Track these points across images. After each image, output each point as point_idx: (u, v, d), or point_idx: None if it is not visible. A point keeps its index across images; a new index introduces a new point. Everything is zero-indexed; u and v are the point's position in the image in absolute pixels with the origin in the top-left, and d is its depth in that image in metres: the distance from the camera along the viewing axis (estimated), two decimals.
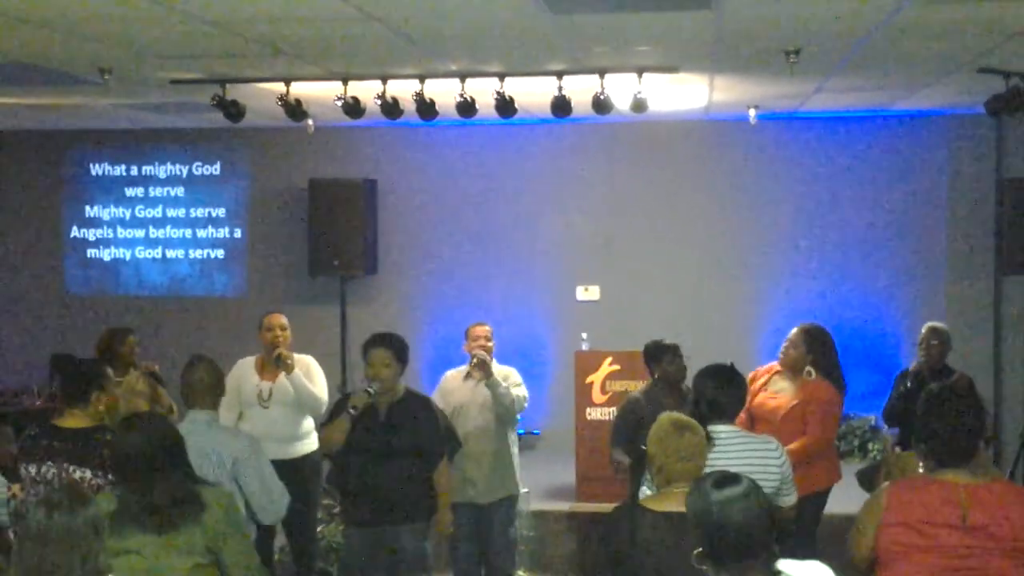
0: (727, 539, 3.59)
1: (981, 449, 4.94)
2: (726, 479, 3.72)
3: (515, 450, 8.35)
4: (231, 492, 5.05)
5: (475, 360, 8.03)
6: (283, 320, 8.36)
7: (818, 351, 7.77)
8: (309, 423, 8.31)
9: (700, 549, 3.66)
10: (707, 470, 4.76)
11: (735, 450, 5.42)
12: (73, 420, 5.83)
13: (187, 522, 4.62)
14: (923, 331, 8.56)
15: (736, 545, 3.59)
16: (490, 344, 8.19)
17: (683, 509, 4.48)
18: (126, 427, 4.82)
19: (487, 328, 8.27)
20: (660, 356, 8.03)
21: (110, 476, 5.62)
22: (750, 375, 7.73)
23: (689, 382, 7.06)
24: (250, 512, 5.82)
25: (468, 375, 8.16)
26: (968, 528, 4.35)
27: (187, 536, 4.62)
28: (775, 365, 7.91)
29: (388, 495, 6.90)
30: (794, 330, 7.87)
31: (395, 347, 7.09)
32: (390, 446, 6.88)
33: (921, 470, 4.80)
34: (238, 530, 4.88)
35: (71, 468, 5.67)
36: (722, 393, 5.64)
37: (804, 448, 7.37)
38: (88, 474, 5.65)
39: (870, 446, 11.61)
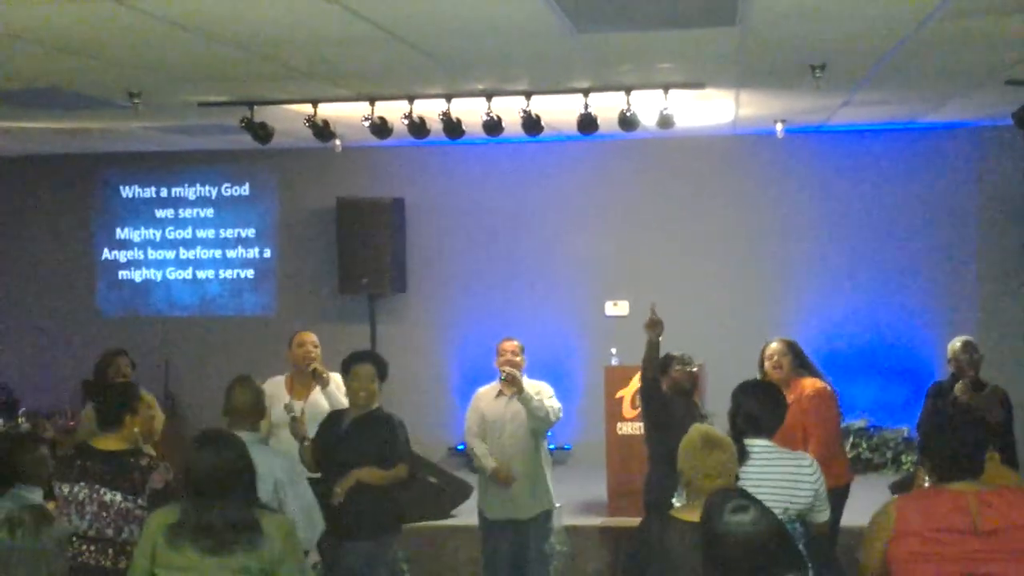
0: (728, 564, 3.65)
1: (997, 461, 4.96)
2: (740, 506, 3.77)
3: (548, 464, 8.35)
4: (292, 520, 5.04)
5: (505, 376, 8.05)
6: (314, 337, 8.42)
7: (802, 358, 7.87)
8: None
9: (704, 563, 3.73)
10: (741, 484, 4.80)
11: (768, 465, 5.41)
12: (108, 442, 5.87)
13: (242, 547, 4.60)
14: (955, 345, 8.52)
15: (737, 572, 3.66)
16: (518, 359, 8.14)
17: None
18: (201, 443, 4.80)
19: (515, 343, 8.23)
20: (668, 365, 7.96)
21: (139, 500, 5.66)
22: None
23: (708, 396, 7.08)
24: None
25: (500, 392, 8.16)
26: (980, 533, 4.34)
27: (242, 560, 4.60)
28: None
29: (341, 508, 6.85)
30: (774, 345, 7.90)
31: (378, 364, 7.21)
32: (344, 459, 6.92)
33: (927, 484, 4.80)
34: (295, 558, 4.85)
35: (102, 490, 5.70)
36: (761, 409, 5.64)
37: (817, 450, 7.37)
38: (118, 497, 5.67)
39: (903, 458, 11.57)
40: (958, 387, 8.28)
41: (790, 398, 7.63)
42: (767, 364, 7.88)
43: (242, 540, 4.60)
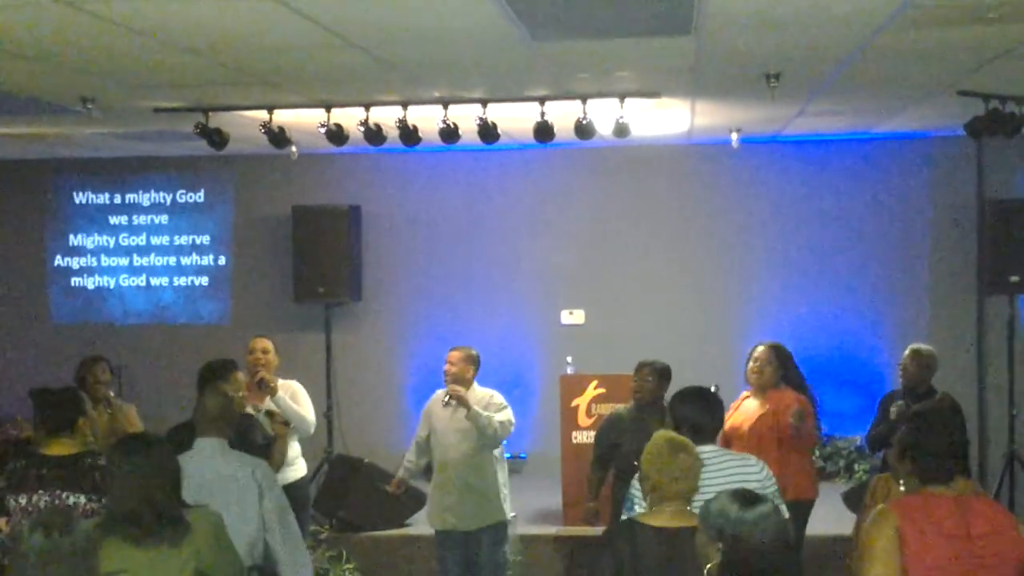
0: (752, 559, 3.63)
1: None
2: (751, 498, 3.76)
3: (503, 475, 8.28)
4: (218, 513, 5.00)
5: (449, 397, 8.02)
6: (267, 344, 8.37)
7: (788, 366, 7.86)
8: (296, 448, 8.29)
9: (713, 563, 3.70)
10: None
11: (715, 468, 5.43)
12: (60, 447, 5.82)
13: (169, 539, 4.57)
14: (905, 353, 8.58)
15: (760, 565, 3.63)
16: (455, 368, 8.06)
17: (676, 524, 4.57)
18: (122, 449, 4.77)
19: (457, 353, 8.13)
20: (636, 372, 8.02)
21: (104, 500, 5.61)
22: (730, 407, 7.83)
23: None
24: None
25: (447, 401, 8.12)
26: (972, 538, 4.36)
27: (172, 554, 4.58)
28: (745, 393, 7.95)
29: None
30: (760, 349, 7.91)
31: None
32: None
33: (902, 488, 4.79)
34: (227, 549, 4.84)
35: (64, 495, 5.66)
36: (700, 415, 5.66)
37: (786, 459, 7.44)
38: (82, 499, 5.65)
39: (856, 467, 11.63)
40: (892, 409, 8.24)
41: (767, 407, 7.66)
42: (749, 365, 7.89)
43: (167, 529, 4.57)
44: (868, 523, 4.61)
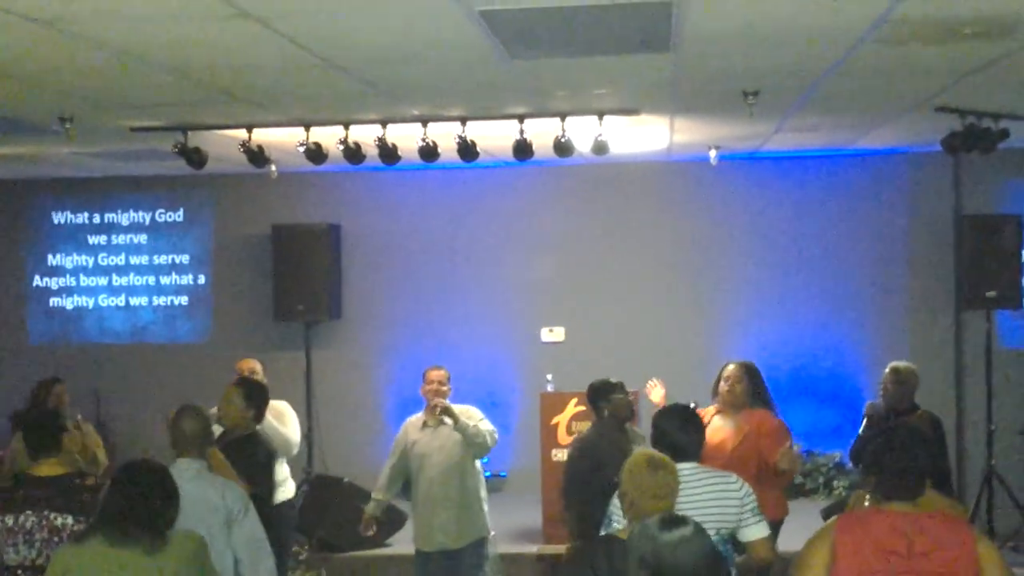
0: None
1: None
2: (672, 520, 3.75)
3: (483, 491, 8.27)
4: (202, 536, 4.99)
5: (437, 410, 7.97)
6: (254, 365, 8.38)
7: (758, 384, 7.84)
8: (285, 470, 8.27)
9: None
10: None
11: (692, 486, 5.43)
12: (48, 468, 5.79)
13: (145, 547, 4.59)
14: (886, 370, 8.60)
15: None
16: (444, 388, 8.06)
17: None
18: (129, 466, 4.83)
19: (442, 372, 8.12)
20: (609, 392, 7.96)
21: (92, 520, 5.60)
22: None
23: (642, 421, 7.06)
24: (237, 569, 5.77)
25: (425, 423, 8.08)
26: (914, 555, 4.38)
27: (144, 561, 4.60)
28: (713, 407, 7.91)
29: None
30: (731, 367, 7.86)
31: (246, 388, 7.16)
32: None
33: (867, 503, 4.83)
34: (208, 572, 4.85)
35: (52, 515, 5.63)
36: (682, 433, 5.66)
37: (774, 483, 7.42)
38: (70, 520, 5.62)
39: (835, 483, 11.65)
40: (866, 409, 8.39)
41: (744, 427, 7.62)
42: (722, 385, 7.84)
43: (145, 539, 4.60)
44: (812, 536, 4.65)
